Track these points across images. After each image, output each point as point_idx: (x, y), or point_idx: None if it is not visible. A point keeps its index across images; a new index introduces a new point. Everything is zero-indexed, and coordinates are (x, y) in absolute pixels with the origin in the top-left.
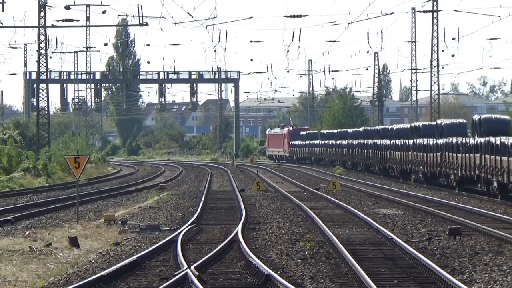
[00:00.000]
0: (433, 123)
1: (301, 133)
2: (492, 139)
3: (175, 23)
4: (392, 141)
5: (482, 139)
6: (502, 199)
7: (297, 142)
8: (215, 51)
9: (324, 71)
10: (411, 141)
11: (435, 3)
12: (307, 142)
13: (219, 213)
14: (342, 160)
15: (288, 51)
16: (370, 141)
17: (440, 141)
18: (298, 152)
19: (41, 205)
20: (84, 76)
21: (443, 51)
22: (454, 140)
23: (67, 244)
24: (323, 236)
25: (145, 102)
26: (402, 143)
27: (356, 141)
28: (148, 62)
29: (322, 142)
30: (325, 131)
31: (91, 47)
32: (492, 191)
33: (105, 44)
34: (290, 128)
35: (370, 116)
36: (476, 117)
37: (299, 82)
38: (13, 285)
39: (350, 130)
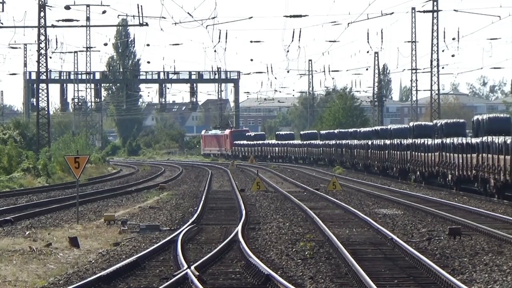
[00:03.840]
0: (388, 127)
1: (247, 134)
2: (417, 140)
3: (175, 23)
4: (358, 142)
5: (410, 140)
6: (425, 185)
7: (242, 142)
8: (215, 51)
9: (324, 71)
10: (370, 142)
11: (435, 3)
12: (258, 142)
13: (219, 213)
14: (318, 158)
15: (288, 51)
16: (344, 142)
17: (388, 141)
18: (243, 150)
19: (41, 205)
20: (84, 76)
21: (443, 51)
22: (396, 141)
23: (67, 244)
24: (323, 236)
25: (145, 102)
26: (364, 143)
27: (333, 141)
28: (148, 62)
29: (288, 142)
30: (282, 133)
31: (91, 47)
32: (418, 179)
33: (105, 44)
34: (232, 130)
35: (370, 116)
36: (411, 124)
37: (299, 82)
38: (13, 285)
39: (323, 132)
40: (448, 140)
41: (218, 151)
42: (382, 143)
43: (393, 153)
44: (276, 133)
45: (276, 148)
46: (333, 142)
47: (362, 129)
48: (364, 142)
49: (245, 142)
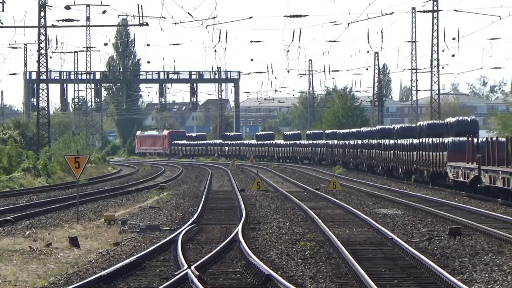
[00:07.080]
0: (362, 129)
1: (187, 134)
2: (380, 141)
3: (175, 23)
4: (337, 142)
5: (376, 141)
6: (387, 177)
7: (181, 142)
8: (215, 51)
9: (324, 71)
10: (347, 142)
11: (435, 3)
12: (199, 142)
13: (219, 213)
14: (283, 156)
15: (288, 51)
16: (322, 142)
17: (359, 141)
18: (183, 150)
19: (41, 205)
20: (84, 76)
21: (443, 51)
22: (365, 141)
23: (67, 244)
24: (323, 236)
25: (145, 102)
26: (342, 143)
27: (310, 141)
28: (148, 62)
29: (240, 142)
30: (230, 134)
31: (91, 47)
32: (380, 172)
33: (105, 44)
34: (170, 131)
35: (370, 116)
36: (377, 127)
37: (299, 82)
38: (13, 285)
39: (290, 132)
40: (399, 141)
41: (154, 150)
42: (355, 143)
43: (363, 151)
44: (223, 133)
45: (226, 148)
46: (310, 142)
47: (342, 131)
48: (342, 142)
49: (185, 141)
